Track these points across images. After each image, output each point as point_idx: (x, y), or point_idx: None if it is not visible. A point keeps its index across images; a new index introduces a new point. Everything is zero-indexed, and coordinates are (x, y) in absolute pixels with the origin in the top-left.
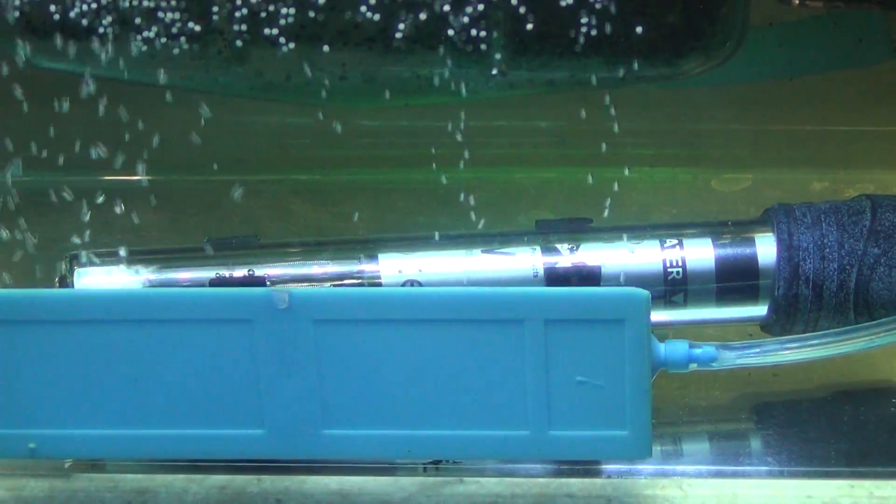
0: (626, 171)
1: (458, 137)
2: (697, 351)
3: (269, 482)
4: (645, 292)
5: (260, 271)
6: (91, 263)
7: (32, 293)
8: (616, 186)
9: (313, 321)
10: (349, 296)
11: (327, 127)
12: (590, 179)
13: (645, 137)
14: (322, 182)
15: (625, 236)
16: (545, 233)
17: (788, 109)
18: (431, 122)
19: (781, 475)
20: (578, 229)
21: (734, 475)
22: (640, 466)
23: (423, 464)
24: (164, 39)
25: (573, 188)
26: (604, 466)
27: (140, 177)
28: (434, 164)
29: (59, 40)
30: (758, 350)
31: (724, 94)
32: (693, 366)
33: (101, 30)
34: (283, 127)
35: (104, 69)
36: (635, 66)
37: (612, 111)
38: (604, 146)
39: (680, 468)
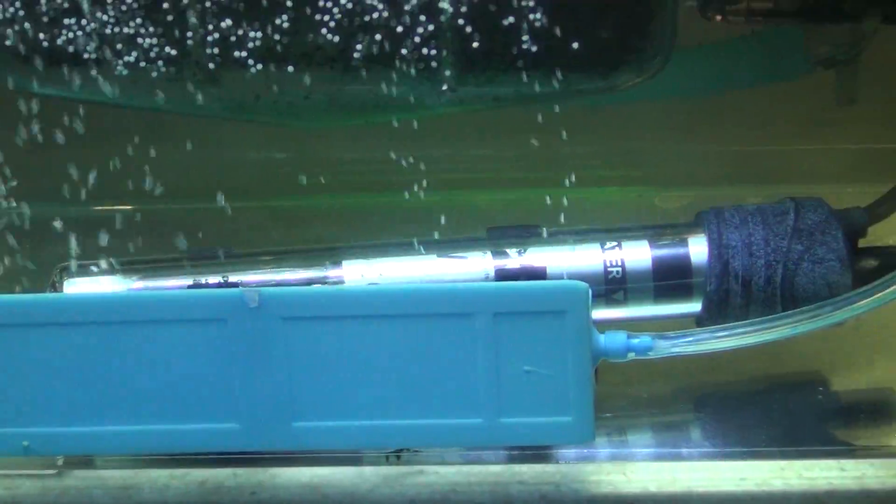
0: (570, 189)
1: (421, 166)
2: (635, 341)
3: (245, 476)
4: (584, 284)
5: (234, 278)
6: (79, 274)
7: (24, 298)
8: (566, 202)
9: (282, 319)
10: (314, 294)
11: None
12: (548, 200)
13: (593, 159)
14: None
15: (568, 239)
16: (496, 238)
17: (727, 130)
18: (394, 151)
19: (717, 457)
20: (526, 234)
21: (673, 458)
22: (586, 452)
23: (386, 454)
24: (143, 64)
25: (527, 208)
26: (553, 453)
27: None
28: (405, 191)
29: (44, 66)
30: (691, 339)
31: (667, 114)
32: (631, 355)
33: (84, 55)
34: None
35: (87, 94)
36: (574, 79)
37: (564, 135)
38: (556, 169)
39: (623, 454)
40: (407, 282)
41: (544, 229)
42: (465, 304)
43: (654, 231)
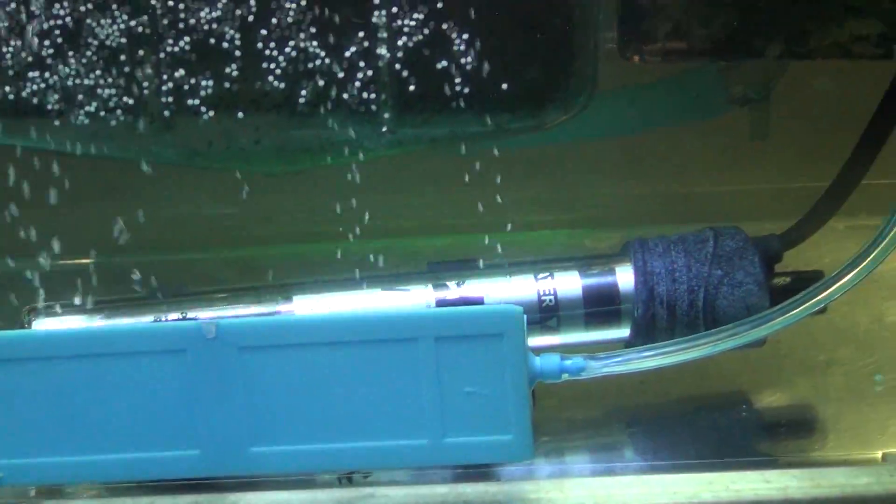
0: (505, 234)
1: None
2: (568, 362)
3: (206, 502)
4: (518, 308)
5: (192, 314)
6: (47, 315)
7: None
8: (500, 248)
9: (238, 348)
10: (267, 324)
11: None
12: (486, 240)
13: (527, 204)
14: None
15: (503, 271)
16: (436, 271)
17: (654, 171)
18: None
19: (649, 472)
20: (464, 267)
21: (608, 474)
22: (526, 471)
23: (338, 476)
24: (102, 113)
25: (467, 250)
26: (496, 472)
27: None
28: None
29: (7, 117)
30: (620, 359)
31: (596, 159)
32: (565, 375)
33: (47, 107)
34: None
35: (47, 143)
36: (504, 118)
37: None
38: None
39: (561, 472)
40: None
41: (481, 262)
42: (409, 329)
43: (584, 261)
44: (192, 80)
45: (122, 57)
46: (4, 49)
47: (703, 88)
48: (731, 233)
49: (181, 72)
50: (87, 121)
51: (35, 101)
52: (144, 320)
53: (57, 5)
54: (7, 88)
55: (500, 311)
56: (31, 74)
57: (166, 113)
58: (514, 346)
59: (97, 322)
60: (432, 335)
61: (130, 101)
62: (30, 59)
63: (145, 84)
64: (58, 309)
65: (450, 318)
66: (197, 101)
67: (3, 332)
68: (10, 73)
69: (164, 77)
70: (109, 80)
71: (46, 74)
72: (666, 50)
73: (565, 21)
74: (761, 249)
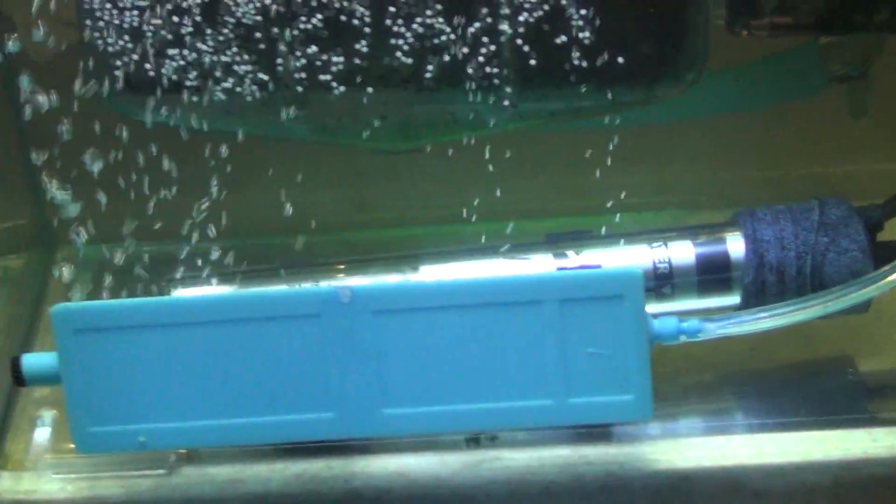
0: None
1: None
2: (685, 324)
3: (339, 467)
4: (638, 269)
5: (323, 283)
6: (185, 285)
7: (137, 301)
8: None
9: (372, 312)
10: (401, 288)
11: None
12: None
13: (632, 187)
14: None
15: (619, 241)
16: (555, 242)
17: (751, 153)
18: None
19: (761, 431)
20: (582, 237)
21: (722, 433)
22: (645, 433)
23: (466, 438)
24: (238, 90)
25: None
26: (615, 433)
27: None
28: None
29: (147, 94)
30: (735, 321)
31: (696, 141)
32: (682, 337)
33: (186, 83)
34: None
35: (184, 120)
36: (618, 92)
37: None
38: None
39: (678, 434)
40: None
41: (601, 231)
42: (534, 291)
43: (696, 230)
44: (324, 57)
45: (258, 34)
46: (144, 27)
47: (804, 66)
48: (835, 202)
49: (314, 48)
50: (223, 97)
51: (173, 78)
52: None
53: None
54: (146, 66)
55: (620, 273)
56: (169, 52)
57: (299, 89)
58: (633, 307)
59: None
60: (557, 297)
61: (265, 78)
62: (168, 36)
63: (279, 61)
64: (196, 278)
65: (573, 280)
66: (328, 77)
67: (143, 298)
68: (150, 50)
69: (298, 54)
70: (245, 57)
71: (184, 52)
72: (772, 24)
73: None
74: (864, 217)
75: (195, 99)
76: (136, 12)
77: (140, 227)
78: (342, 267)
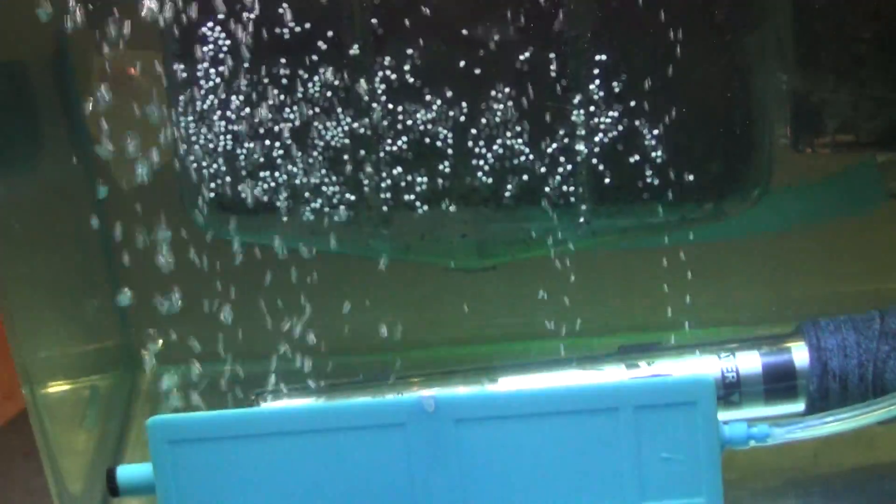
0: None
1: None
2: (754, 429)
3: None
4: (710, 376)
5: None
6: (274, 397)
7: (230, 413)
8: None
9: (455, 421)
10: (482, 397)
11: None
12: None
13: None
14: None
15: (689, 351)
16: (627, 353)
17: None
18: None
19: None
20: (653, 348)
21: None
22: None
23: None
24: (327, 209)
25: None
26: None
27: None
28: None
29: (239, 215)
30: (802, 425)
31: (755, 259)
32: (752, 442)
33: (275, 204)
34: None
35: (276, 239)
36: (689, 208)
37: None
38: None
39: None
40: None
41: (671, 341)
42: (611, 399)
43: (762, 341)
44: (409, 177)
45: (345, 156)
46: (239, 150)
47: (863, 183)
48: (895, 312)
49: (399, 169)
50: (311, 217)
51: (265, 198)
52: None
53: (287, 110)
54: (240, 187)
55: (693, 380)
56: (262, 174)
57: (384, 208)
58: (706, 413)
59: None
60: (632, 404)
61: (352, 198)
62: (261, 159)
63: (366, 181)
64: (284, 390)
65: (649, 387)
66: (412, 196)
67: (235, 410)
68: (243, 172)
69: (384, 174)
70: (333, 178)
71: (276, 173)
72: (835, 142)
73: (745, 117)
74: None
75: (283, 219)
76: (228, 136)
77: (227, 342)
78: (423, 380)
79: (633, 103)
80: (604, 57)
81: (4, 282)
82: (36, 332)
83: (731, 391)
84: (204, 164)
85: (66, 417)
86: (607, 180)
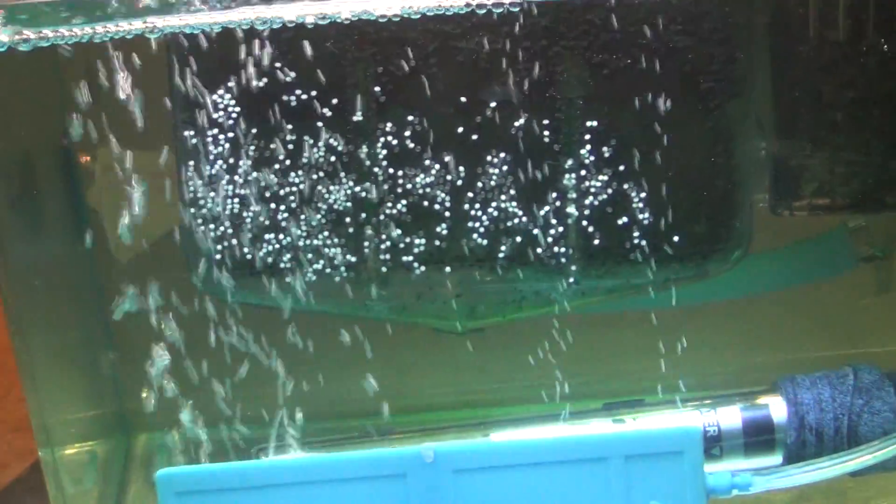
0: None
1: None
2: (737, 478)
3: None
4: (697, 428)
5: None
6: (276, 452)
7: (236, 465)
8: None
9: (453, 471)
10: (481, 448)
11: None
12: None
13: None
14: None
15: (672, 406)
16: (612, 409)
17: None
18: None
19: None
20: (636, 405)
21: None
22: None
23: None
24: (327, 271)
25: None
26: None
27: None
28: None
29: (245, 277)
30: (782, 474)
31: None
32: (735, 491)
33: (276, 266)
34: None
35: (275, 301)
36: (673, 269)
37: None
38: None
39: None
40: None
41: (656, 397)
42: (602, 449)
43: (741, 396)
44: (407, 239)
45: (346, 219)
46: (242, 214)
47: (835, 248)
48: (868, 368)
49: (398, 231)
50: (313, 278)
51: (268, 260)
52: None
53: (292, 174)
54: (243, 249)
55: (681, 431)
56: (264, 236)
57: (383, 269)
58: (693, 462)
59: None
60: (622, 454)
61: (352, 260)
62: (265, 222)
63: (366, 243)
64: (283, 446)
65: (638, 438)
66: (410, 258)
67: (240, 462)
68: (247, 235)
69: (383, 236)
70: (334, 240)
71: (278, 236)
72: (811, 206)
73: (727, 181)
74: (895, 382)
75: (284, 280)
76: (233, 199)
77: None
78: (417, 435)
79: (621, 167)
80: (594, 123)
81: (31, 349)
82: (53, 397)
83: (713, 445)
84: (209, 227)
85: (74, 480)
86: (596, 241)
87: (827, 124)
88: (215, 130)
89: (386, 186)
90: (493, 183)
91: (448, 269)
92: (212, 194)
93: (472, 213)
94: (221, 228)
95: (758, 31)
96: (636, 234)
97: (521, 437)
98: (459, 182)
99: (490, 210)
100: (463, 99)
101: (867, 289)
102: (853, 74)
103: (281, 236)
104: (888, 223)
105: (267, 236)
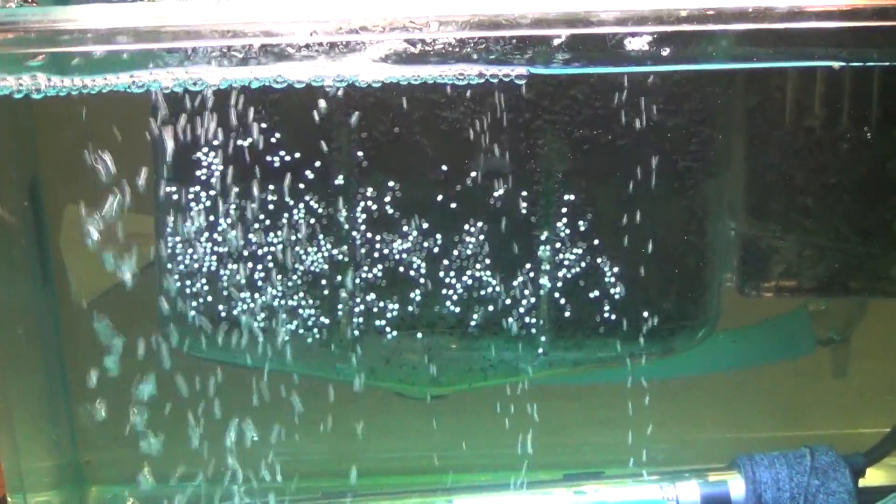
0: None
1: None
2: None
3: None
4: (661, 500)
5: None
6: None
7: None
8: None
9: None
10: None
11: None
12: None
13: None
14: None
15: (631, 481)
16: (572, 480)
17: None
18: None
19: None
20: (595, 477)
21: None
22: None
23: None
24: (301, 331)
25: None
26: None
27: None
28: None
29: (216, 336)
30: None
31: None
32: None
33: (253, 325)
34: None
35: (247, 359)
36: (640, 343)
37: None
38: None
39: None
40: None
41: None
42: None
43: (700, 472)
44: (380, 303)
45: (322, 281)
46: (218, 272)
47: (795, 330)
48: (824, 450)
49: (371, 295)
50: (286, 339)
51: (242, 318)
52: None
53: (272, 234)
54: (220, 307)
55: None
56: (242, 295)
57: (355, 332)
58: None
59: None
60: None
61: (325, 321)
62: (242, 281)
63: (339, 306)
64: None
65: None
66: (382, 322)
67: None
68: (224, 293)
69: (357, 300)
70: (309, 301)
71: (255, 295)
72: (778, 288)
73: (698, 260)
74: (850, 464)
75: (254, 339)
76: (210, 257)
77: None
78: (380, 499)
79: (596, 241)
80: (572, 196)
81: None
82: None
83: None
84: (185, 284)
85: None
86: (567, 314)
87: (797, 208)
88: (194, 186)
89: (363, 250)
90: (468, 251)
91: (419, 335)
92: (188, 250)
93: (447, 280)
94: (196, 284)
95: (735, 113)
96: (606, 307)
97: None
98: (436, 249)
99: (464, 278)
100: (443, 167)
101: (824, 371)
102: (826, 161)
103: (255, 295)
104: (847, 306)
105: (241, 294)
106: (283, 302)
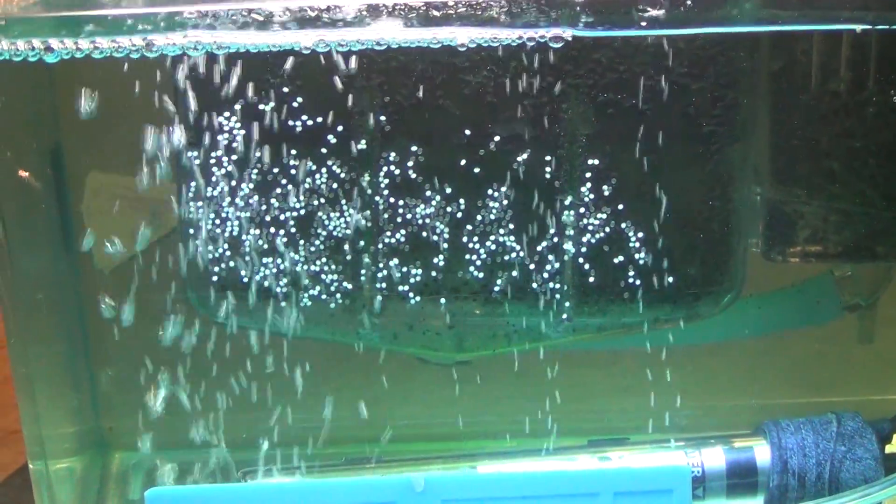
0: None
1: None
2: None
3: None
4: (687, 467)
5: None
6: (263, 477)
7: (225, 487)
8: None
9: (442, 501)
10: (470, 479)
11: None
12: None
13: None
14: None
15: (657, 447)
16: (597, 446)
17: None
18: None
19: None
20: (620, 443)
21: None
22: None
23: None
24: (323, 297)
25: None
26: None
27: None
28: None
29: (242, 300)
30: None
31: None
32: None
33: (271, 290)
34: None
35: (270, 325)
36: (665, 309)
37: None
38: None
39: None
40: None
41: (635, 438)
42: (593, 484)
43: (725, 439)
44: (404, 269)
45: (345, 246)
46: (241, 237)
47: (821, 295)
48: (851, 415)
49: (395, 260)
50: (309, 304)
51: (265, 284)
52: None
53: (291, 199)
54: (242, 272)
55: (671, 470)
56: (265, 260)
57: (378, 298)
58: (681, 501)
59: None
60: (612, 490)
61: (348, 287)
62: (265, 246)
63: (362, 271)
64: (270, 470)
65: (629, 475)
66: (406, 287)
67: (230, 485)
68: (246, 258)
69: (380, 265)
70: (332, 267)
71: (277, 260)
72: (804, 253)
73: (723, 225)
74: (877, 430)
75: (278, 305)
76: (232, 222)
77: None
78: (404, 465)
79: (620, 206)
80: (596, 161)
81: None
82: (48, 410)
83: (696, 486)
84: (208, 249)
85: (58, 494)
86: (591, 279)
87: (823, 173)
88: (217, 151)
89: (386, 216)
90: (492, 216)
91: (443, 300)
92: (211, 215)
93: (470, 245)
94: (219, 249)
95: (760, 77)
96: (631, 273)
97: (507, 470)
98: (459, 214)
99: (488, 243)
100: (467, 131)
101: (850, 337)
102: (851, 125)
103: (278, 261)
104: (873, 272)
105: (263, 260)
106: (306, 267)
